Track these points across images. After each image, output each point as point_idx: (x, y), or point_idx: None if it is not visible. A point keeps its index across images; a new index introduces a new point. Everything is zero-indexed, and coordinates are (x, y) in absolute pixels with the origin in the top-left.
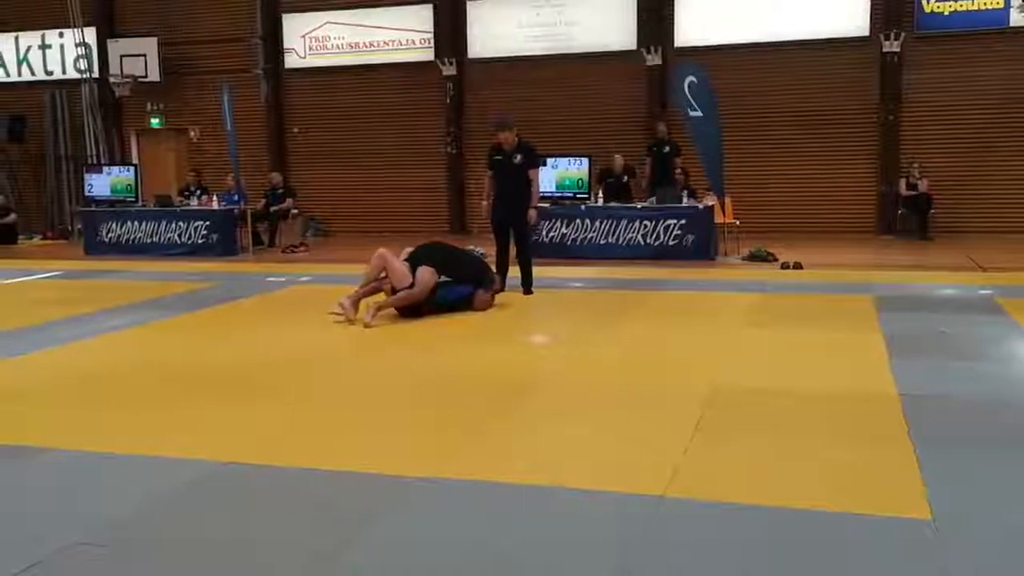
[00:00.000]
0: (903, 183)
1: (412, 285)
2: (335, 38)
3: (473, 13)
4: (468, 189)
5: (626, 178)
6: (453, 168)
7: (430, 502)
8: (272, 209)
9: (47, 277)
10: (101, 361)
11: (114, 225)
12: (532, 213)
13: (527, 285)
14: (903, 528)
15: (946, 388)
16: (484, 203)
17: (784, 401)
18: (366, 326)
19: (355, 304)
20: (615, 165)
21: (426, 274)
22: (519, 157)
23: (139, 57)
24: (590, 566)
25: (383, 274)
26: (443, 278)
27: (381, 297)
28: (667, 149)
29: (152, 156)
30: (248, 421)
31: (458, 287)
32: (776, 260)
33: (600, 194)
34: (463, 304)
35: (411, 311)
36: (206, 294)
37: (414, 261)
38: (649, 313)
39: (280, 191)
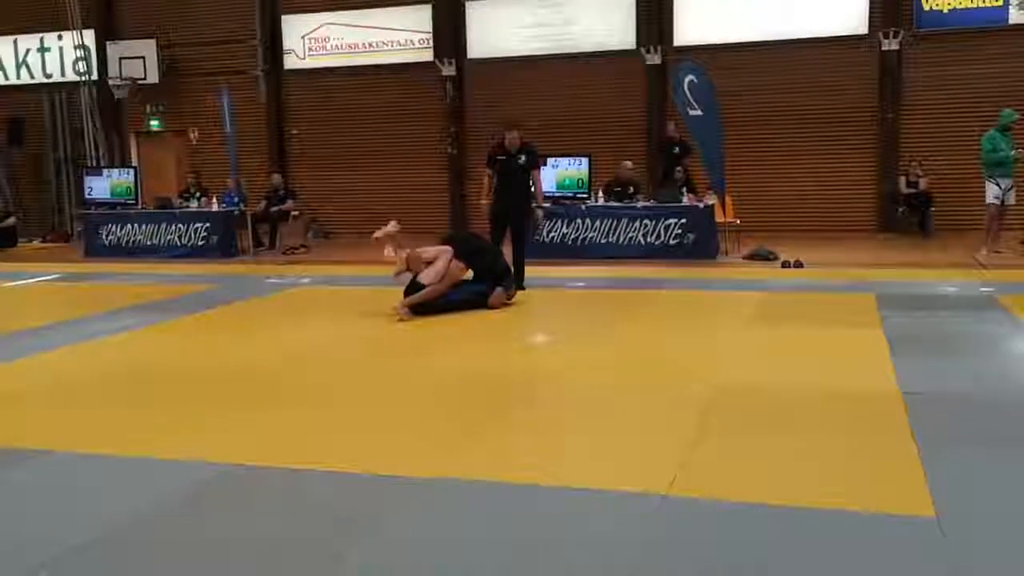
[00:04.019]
0: (903, 181)
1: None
2: (334, 39)
3: (472, 13)
4: (468, 189)
5: (632, 189)
6: (453, 168)
7: (431, 502)
8: (272, 210)
9: (47, 280)
10: (100, 364)
11: (114, 228)
12: (540, 212)
13: (519, 280)
14: (907, 526)
15: (948, 386)
16: (483, 202)
17: (786, 400)
18: (400, 319)
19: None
20: (622, 174)
21: (455, 267)
22: (523, 158)
23: (138, 59)
24: (593, 566)
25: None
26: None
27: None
28: (676, 150)
29: (151, 158)
30: (248, 422)
31: (474, 284)
32: (777, 259)
33: (600, 194)
34: (478, 301)
35: (423, 306)
36: (205, 296)
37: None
38: (650, 312)
39: (281, 193)
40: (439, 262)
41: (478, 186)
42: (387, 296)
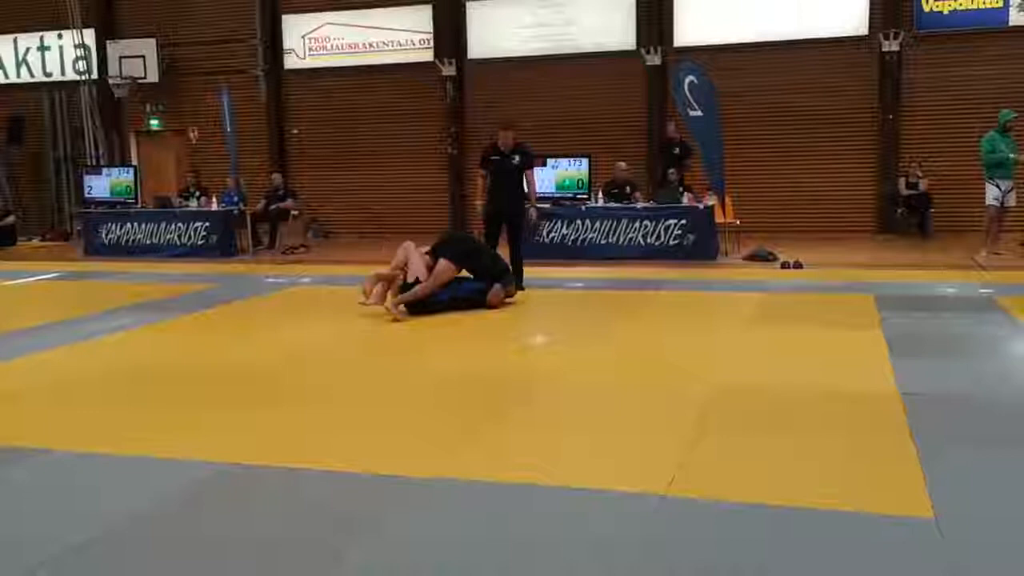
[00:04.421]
0: (903, 182)
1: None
2: (335, 39)
3: (472, 13)
4: (468, 189)
5: (628, 189)
6: (453, 168)
7: (430, 502)
8: (271, 209)
9: (46, 279)
10: (99, 363)
11: (113, 227)
12: (533, 212)
13: (519, 280)
14: (905, 527)
15: (947, 387)
16: (478, 203)
17: (785, 400)
18: (394, 319)
19: (374, 283)
20: (617, 175)
21: (444, 267)
22: (517, 158)
23: (138, 58)
24: (593, 566)
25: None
26: (462, 271)
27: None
28: (676, 150)
29: (151, 157)
30: (247, 422)
31: (473, 282)
32: (776, 260)
33: (600, 195)
34: (476, 299)
35: (420, 306)
36: (205, 296)
37: (438, 250)
38: (649, 313)
39: (281, 192)
40: (411, 263)
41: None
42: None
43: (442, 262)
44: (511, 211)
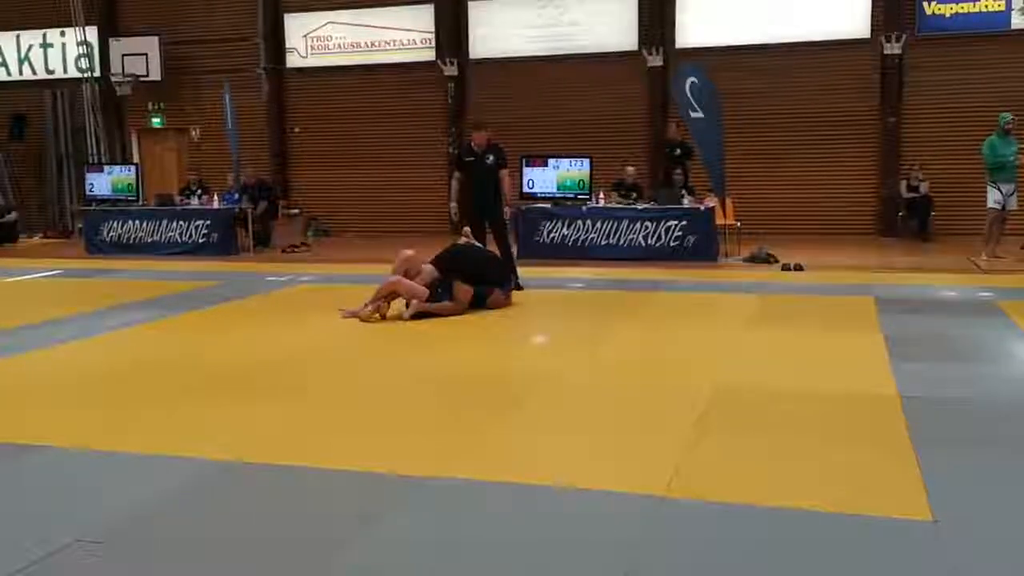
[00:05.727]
0: (904, 185)
1: (431, 297)
2: (337, 38)
3: (474, 13)
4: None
5: (635, 195)
6: (454, 168)
7: (430, 502)
8: (258, 207)
9: (47, 276)
10: (100, 360)
11: (115, 224)
12: (507, 211)
13: (515, 278)
14: (904, 529)
15: (946, 390)
16: (452, 205)
17: (784, 402)
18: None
19: (372, 310)
20: (626, 177)
21: (466, 291)
22: (491, 158)
23: (140, 56)
24: (591, 566)
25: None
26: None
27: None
28: (678, 151)
29: (153, 155)
30: (248, 421)
31: (477, 288)
32: (777, 262)
33: (611, 191)
34: (478, 302)
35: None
36: (206, 293)
37: (446, 266)
38: (649, 314)
39: (255, 191)
40: (405, 290)
41: None
42: None
43: (461, 287)
44: (490, 212)
